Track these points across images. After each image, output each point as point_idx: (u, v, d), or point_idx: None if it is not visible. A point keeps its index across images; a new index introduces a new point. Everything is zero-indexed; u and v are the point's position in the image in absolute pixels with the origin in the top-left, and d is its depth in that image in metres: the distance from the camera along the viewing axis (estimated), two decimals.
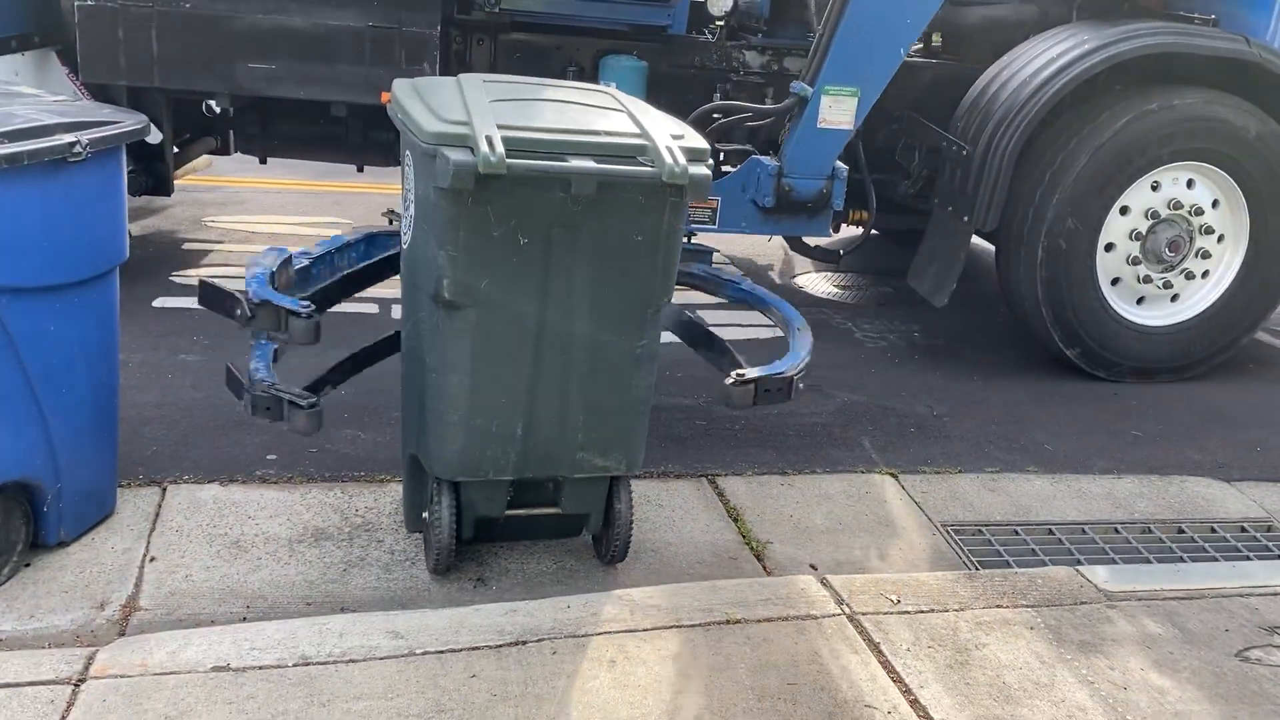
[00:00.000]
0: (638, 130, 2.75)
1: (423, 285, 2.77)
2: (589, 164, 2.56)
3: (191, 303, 5.02)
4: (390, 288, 3.38)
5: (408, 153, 2.85)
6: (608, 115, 2.87)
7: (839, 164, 4.89)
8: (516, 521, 3.08)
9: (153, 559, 2.98)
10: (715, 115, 4.98)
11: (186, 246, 5.91)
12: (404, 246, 2.96)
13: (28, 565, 2.88)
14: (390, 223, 3.27)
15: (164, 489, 3.34)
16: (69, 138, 2.61)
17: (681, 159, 2.61)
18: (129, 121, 2.85)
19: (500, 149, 2.46)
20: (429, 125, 2.58)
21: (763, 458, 3.99)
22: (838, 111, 4.52)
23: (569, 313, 2.75)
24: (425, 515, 3.01)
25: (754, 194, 4.86)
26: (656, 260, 2.78)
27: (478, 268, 2.63)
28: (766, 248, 6.71)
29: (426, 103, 2.74)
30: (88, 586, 2.84)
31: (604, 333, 2.80)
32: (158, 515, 3.18)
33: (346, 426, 3.89)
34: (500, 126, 2.55)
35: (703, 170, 2.65)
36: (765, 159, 4.88)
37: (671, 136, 2.74)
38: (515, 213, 2.60)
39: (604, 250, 2.71)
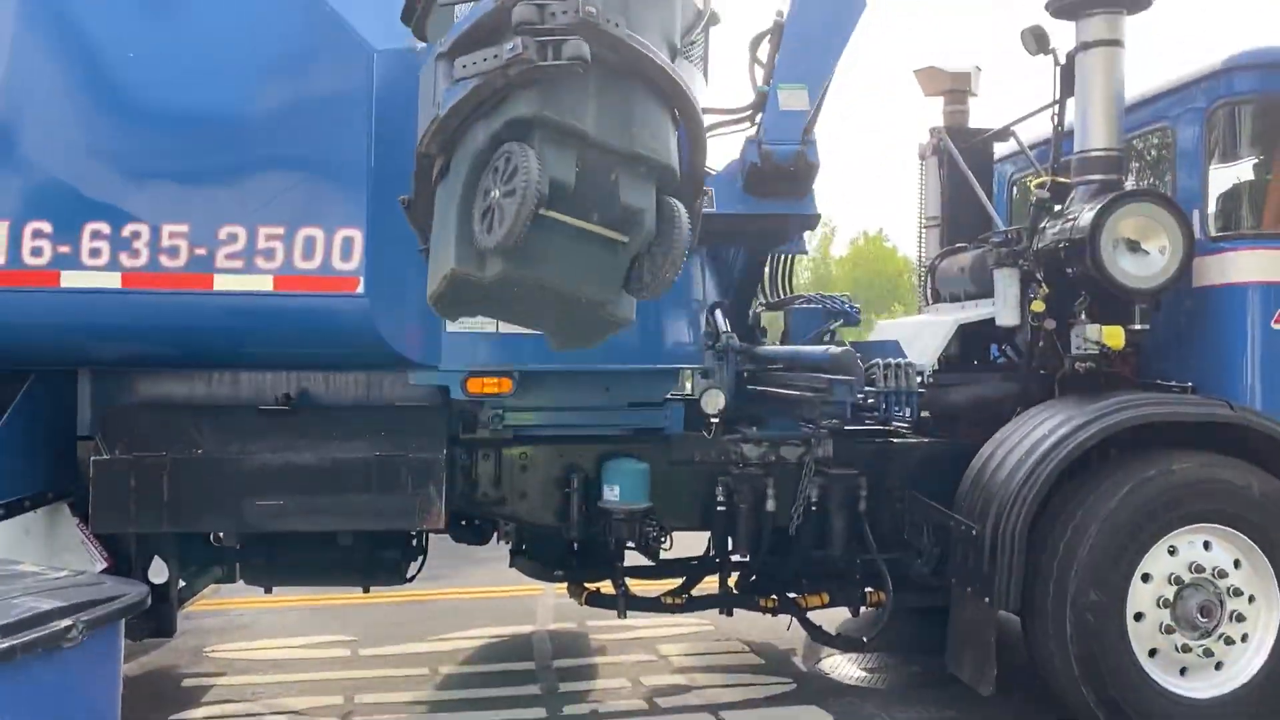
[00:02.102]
0: None
1: None
2: None
3: None
4: None
5: None
6: None
7: (810, 135, 5.33)
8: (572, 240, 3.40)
9: None
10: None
11: (186, 683, 5.70)
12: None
13: None
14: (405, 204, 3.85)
15: None
16: (65, 623, 2.58)
17: None
18: (130, 594, 2.83)
19: None
20: None
21: None
22: (794, 100, 5.39)
23: None
24: (495, 191, 3.26)
25: (742, 171, 5.30)
26: None
27: None
28: (786, 634, 6.48)
29: None
30: None
31: None
32: None
33: None
34: None
35: None
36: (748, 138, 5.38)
37: None
38: None
39: None
